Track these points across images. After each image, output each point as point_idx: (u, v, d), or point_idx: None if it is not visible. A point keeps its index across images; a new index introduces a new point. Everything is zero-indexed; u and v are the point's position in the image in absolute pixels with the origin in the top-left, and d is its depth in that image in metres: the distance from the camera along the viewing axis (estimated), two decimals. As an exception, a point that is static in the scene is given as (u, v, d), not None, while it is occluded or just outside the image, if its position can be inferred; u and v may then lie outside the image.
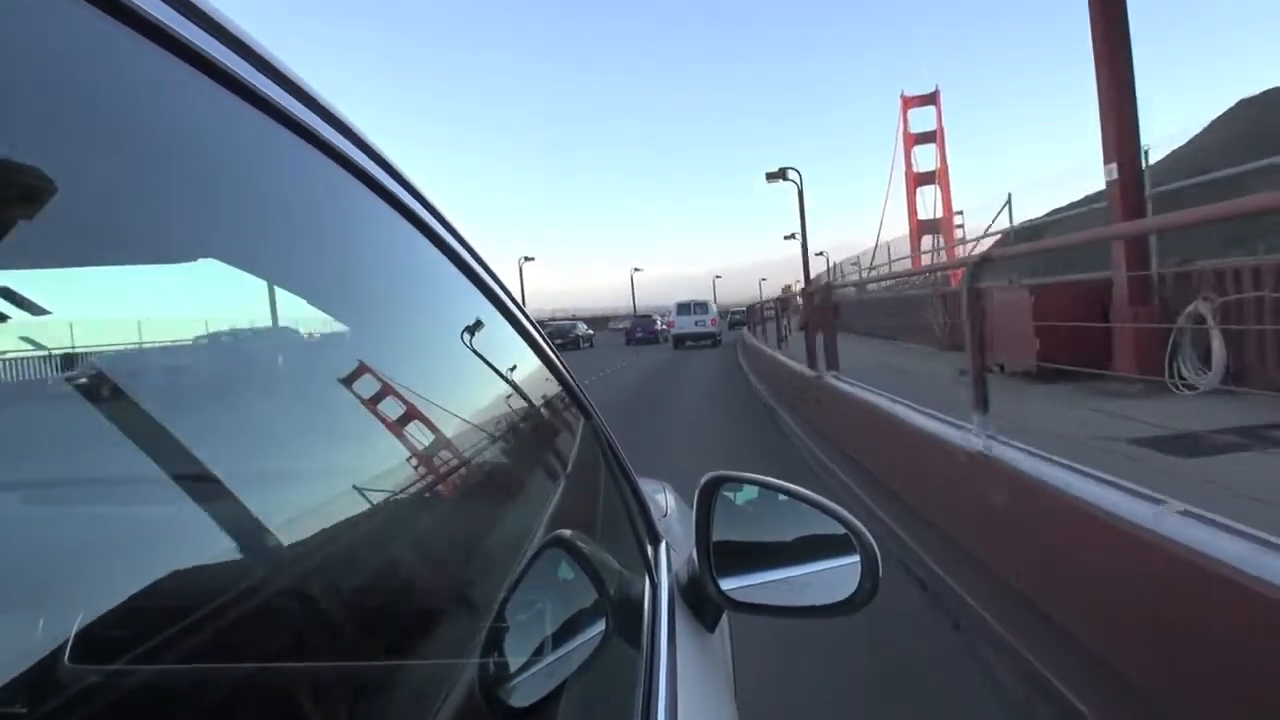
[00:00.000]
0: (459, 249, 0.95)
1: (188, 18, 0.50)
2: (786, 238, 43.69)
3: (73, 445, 0.43)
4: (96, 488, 0.44)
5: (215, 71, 0.52)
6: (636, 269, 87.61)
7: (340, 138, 0.70)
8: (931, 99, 66.07)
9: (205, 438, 0.50)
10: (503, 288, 1.08)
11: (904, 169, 67.39)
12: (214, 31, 0.52)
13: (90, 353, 0.47)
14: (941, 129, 65.40)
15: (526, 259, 58.51)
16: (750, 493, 1.17)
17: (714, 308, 35.41)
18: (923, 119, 66.49)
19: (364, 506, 0.62)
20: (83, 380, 0.46)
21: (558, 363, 1.25)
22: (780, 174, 27.65)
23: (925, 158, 66.57)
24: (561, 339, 42.11)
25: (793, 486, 1.15)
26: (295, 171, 0.67)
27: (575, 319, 51.41)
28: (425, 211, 0.88)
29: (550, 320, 52.15)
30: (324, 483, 0.59)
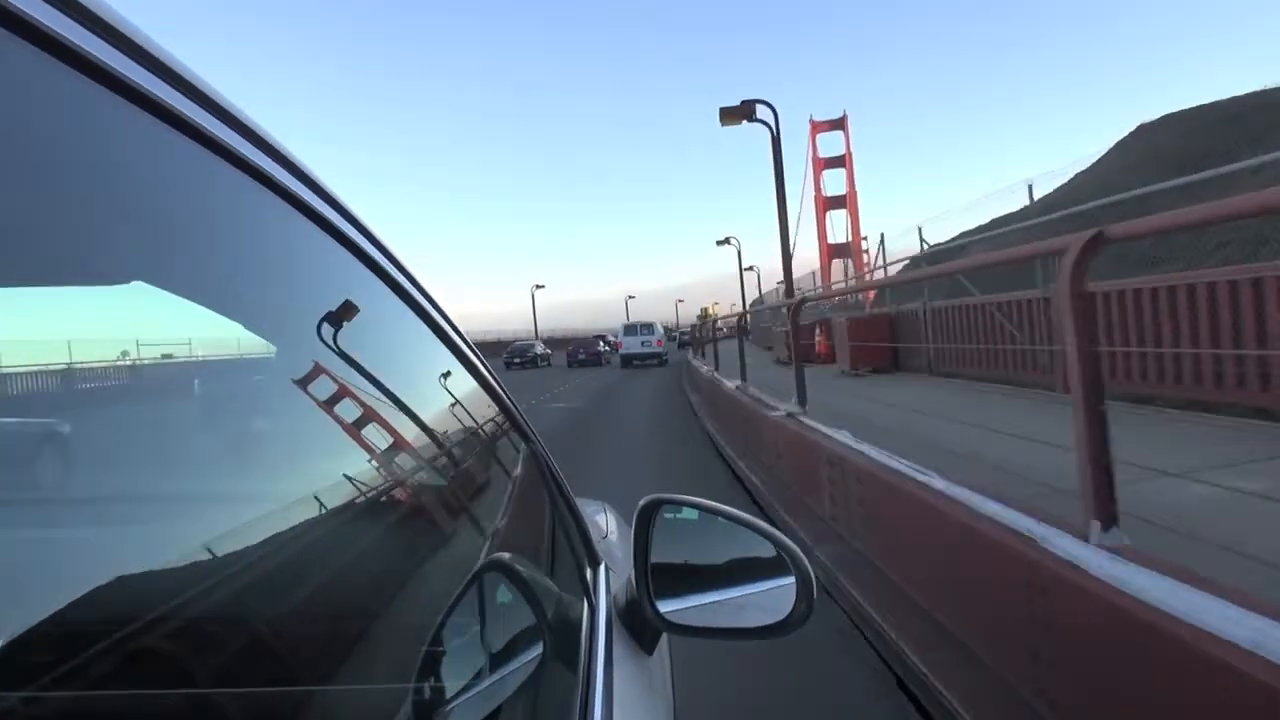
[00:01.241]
0: (395, 274, 0.95)
1: (118, 48, 0.50)
2: (719, 243, 46.64)
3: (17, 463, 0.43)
4: (18, 508, 0.43)
5: (147, 102, 0.52)
6: (539, 286, 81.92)
7: (271, 162, 0.70)
8: (840, 124, 67.15)
9: (133, 459, 0.50)
10: (441, 313, 1.08)
11: (814, 193, 68.21)
12: (145, 62, 0.53)
13: (20, 372, 0.47)
14: (850, 154, 66.36)
15: (538, 287, 58.32)
16: (689, 515, 1.18)
17: (660, 329, 37.03)
18: (834, 144, 67.59)
19: (300, 530, 0.61)
20: (16, 399, 0.45)
21: (497, 387, 1.25)
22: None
23: (837, 182, 67.81)
24: (521, 358, 43.64)
25: (730, 509, 1.17)
26: (226, 197, 0.66)
27: (532, 340, 52.20)
28: (360, 236, 0.88)
29: (513, 341, 52.46)
30: (258, 505, 0.59)
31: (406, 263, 1.00)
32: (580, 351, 41.41)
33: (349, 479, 0.73)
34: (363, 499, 0.76)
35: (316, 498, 0.66)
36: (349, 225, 0.85)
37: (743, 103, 16.17)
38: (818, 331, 16.79)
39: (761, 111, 16.23)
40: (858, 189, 65.78)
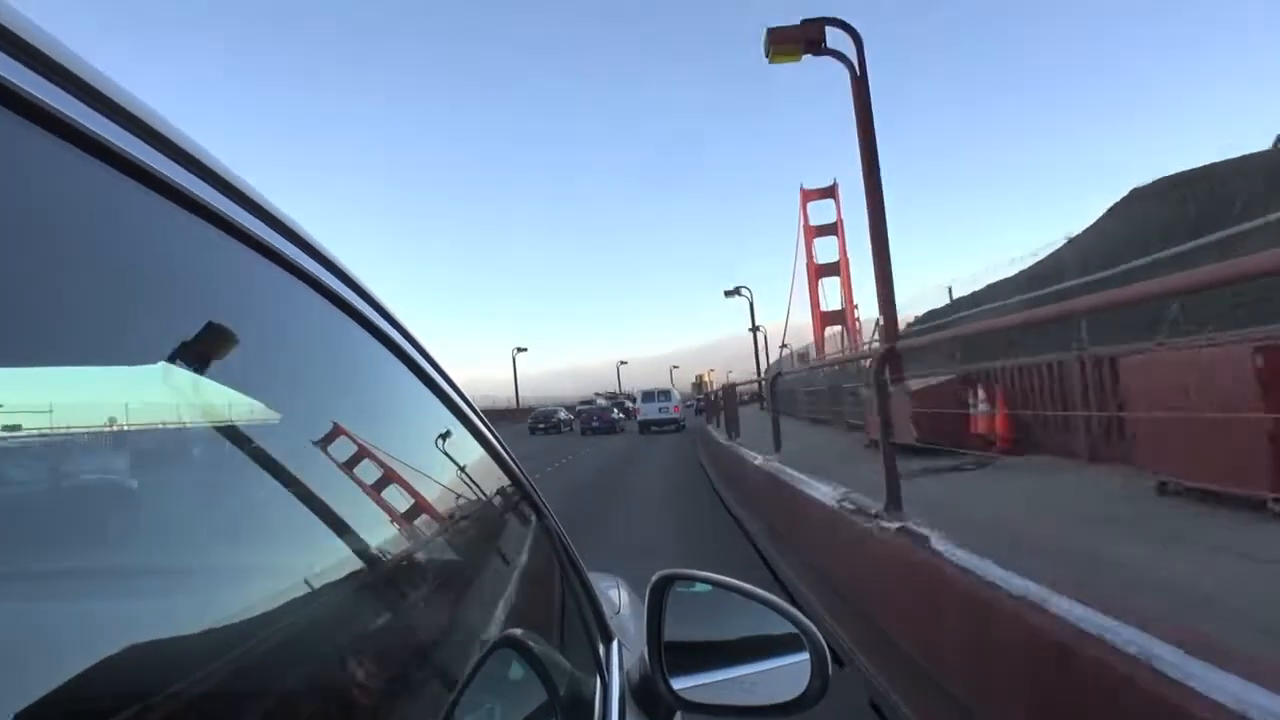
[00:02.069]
0: (405, 345, 0.97)
1: (152, 145, 0.52)
2: (727, 293, 45.68)
3: (26, 537, 0.44)
4: (52, 580, 0.44)
5: (168, 190, 0.54)
6: (521, 349, 79.17)
7: (291, 246, 0.72)
8: (830, 192, 67.57)
9: (140, 532, 0.51)
10: (450, 383, 1.09)
11: (805, 261, 68.21)
12: (174, 155, 0.55)
13: (51, 444, 0.48)
14: (841, 221, 66.52)
15: (520, 349, 57.65)
16: (702, 589, 1.18)
17: (676, 395, 38.93)
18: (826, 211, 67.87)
19: (308, 603, 0.61)
20: (45, 473, 0.47)
21: (508, 459, 1.25)
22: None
23: (830, 249, 67.94)
24: (545, 423, 44.68)
25: (744, 585, 1.16)
26: (248, 280, 0.69)
27: (557, 407, 53.28)
28: (375, 313, 0.90)
29: (536, 407, 52.82)
30: (265, 579, 0.59)
31: (417, 334, 1.02)
32: (594, 419, 40.68)
33: (359, 552, 0.73)
34: (373, 572, 0.76)
35: (325, 571, 0.66)
36: (366, 305, 0.87)
37: (804, 21, 11.49)
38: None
39: (835, 39, 11.37)
40: (849, 256, 66.12)
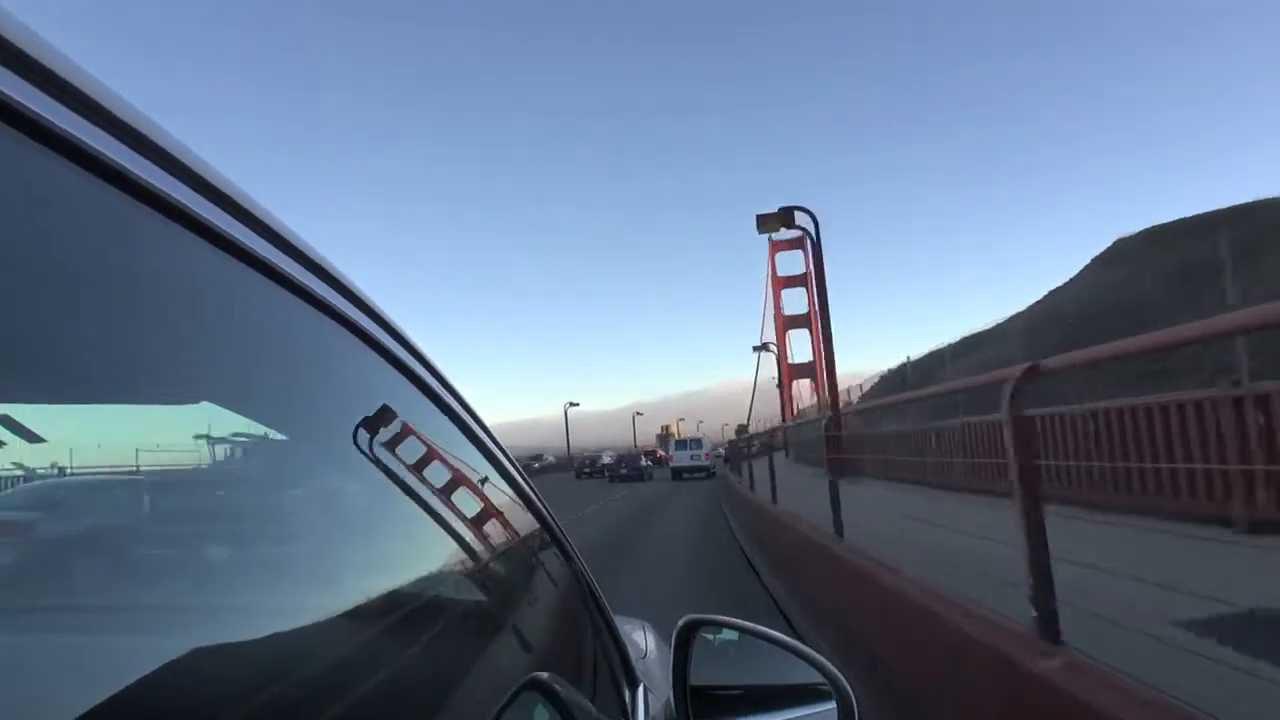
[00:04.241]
0: (439, 388, 0.99)
1: (199, 191, 0.55)
2: (757, 349, 45.70)
3: (64, 574, 0.45)
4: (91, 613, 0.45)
5: (206, 231, 0.56)
6: (573, 403, 76.77)
7: (329, 289, 0.74)
8: (799, 243, 66.96)
9: (169, 570, 0.52)
10: (483, 427, 1.11)
11: (774, 312, 67.76)
12: (214, 198, 0.57)
13: (93, 482, 0.50)
14: (810, 272, 65.98)
15: (572, 404, 58.65)
16: (728, 635, 1.17)
17: (707, 444, 41.34)
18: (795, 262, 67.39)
19: (336, 640, 0.62)
20: (82, 508, 0.48)
21: (538, 502, 1.26)
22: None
23: (799, 301, 67.43)
24: (591, 468, 47.93)
25: (770, 631, 1.15)
26: (285, 322, 0.70)
27: (600, 452, 55.89)
28: (409, 355, 0.91)
29: (583, 452, 54.51)
30: (293, 616, 0.60)
31: (451, 379, 1.03)
32: (623, 466, 41.30)
33: (383, 590, 0.74)
34: (398, 611, 0.76)
35: (354, 609, 0.67)
36: (400, 347, 0.89)
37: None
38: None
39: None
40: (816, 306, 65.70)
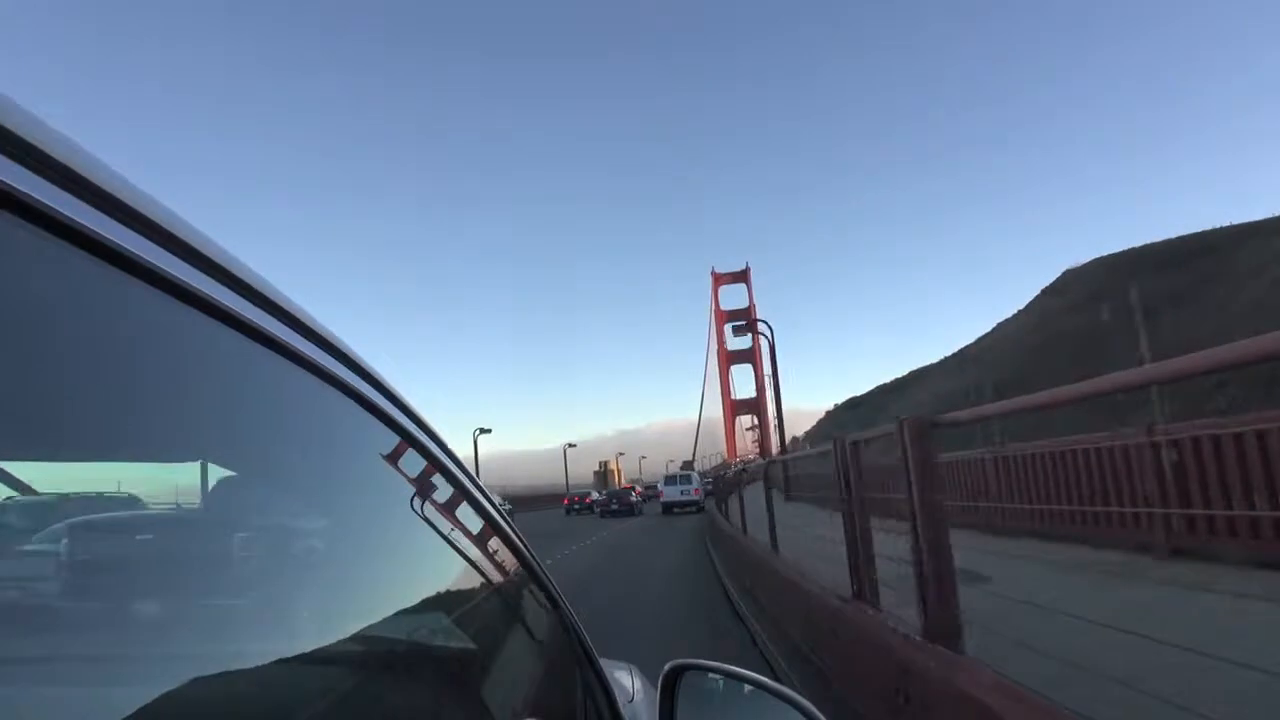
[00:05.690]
0: (421, 437, 0.99)
1: (193, 264, 0.56)
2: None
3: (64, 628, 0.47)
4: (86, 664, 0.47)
5: (198, 301, 0.57)
6: (484, 430, 76.23)
7: (315, 348, 0.75)
8: (742, 276, 66.95)
9: (163, 620, 0.53)
10: (471, 478, 1.12)
11: (717, 347, 67.60)
12: (212, 271, 0.59)
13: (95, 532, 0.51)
14: (753, 305, 66.25)
15: (483, 431, 55.85)
16: (714, 681, 1.18)
17: (696, 479, 40.95)
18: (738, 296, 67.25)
19: (327, 690, 0.63)
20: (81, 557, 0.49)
21: (523, 549, 1.27)
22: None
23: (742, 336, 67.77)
24: (580, 504, 48.17)
25: (756, 676, 1.16)
26: (273, 383, 0.71)
27: (589, 489, 56.21)
28: (395, 408, 0.92)
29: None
30: (286, 664, 0.61)
31: (437, 428, 1.04)
32: (614, 501, 41.09)
33: (372, 637, 0.75)
34: (386, 658, 0.77)
35: (345, 655, 0.68)
36: (388, 402, 0.90)
37: (748, 321, 24.22)
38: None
39: (763, 327, 25.79)
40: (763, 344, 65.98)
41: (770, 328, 25.06)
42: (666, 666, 1.18)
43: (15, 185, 0.41)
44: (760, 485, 10.72)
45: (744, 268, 68.24)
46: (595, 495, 49.19)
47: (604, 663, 1.45)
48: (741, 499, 12.52)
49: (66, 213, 0.44)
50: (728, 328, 66.74)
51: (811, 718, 1.07)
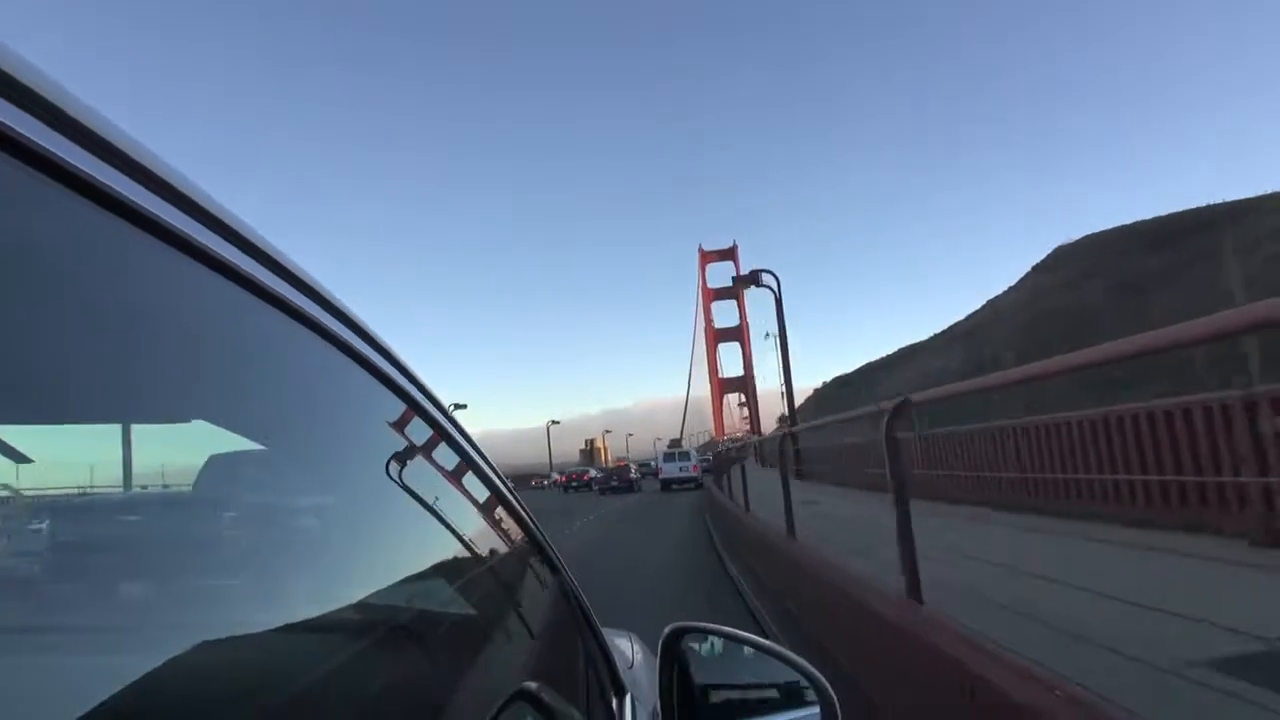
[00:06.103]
0: (428, 406, 1.00)
1: (188, 212, 0.56)
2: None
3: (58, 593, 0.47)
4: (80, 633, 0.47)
5: (196, 252, 0.57)
6: (459, 405, 76.83)
7: (317, 307, 0.75)
8: (730, 254, 66.41)
9: (157, 588, 0.53)
10: (471, 443, 1.12)
11: (704, 325, 67.46)
12: (206, 221, 0.59)
13: (85, 502, 0.51)
14: (741, 282, 65.74)
15: (457, 406, 55.20)
16: (713, 643, 1.19)
17: (695, 456, 42.85)
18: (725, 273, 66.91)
19: (326, 655, 0.63)
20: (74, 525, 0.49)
21: (525, 515, 1.28)
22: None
23: (730, 313, 67.21)
24: (578, 482, 50.52)
25: (755, 637, 1.17)
26: (276, 340, 0.71)
27: (587, 466, 56.24)
28: (395, 370, 0.93)
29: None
30: (287, 632, 0.61)
31: (436, 393, 1.05)
32: (614, 479, 43.60)
33: (372, 603, 0.75)
34: (387, 623, 0.78)
35: (344, 621, 0.68)
36: (391, 366, 0.90)
37: (752, 271, 24.42)
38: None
39: (767, 278, 24.41)
40: (749, 321, 65.35)
41: (777, 278, 24.34)
42: (666, 629, 1.19)
43: (12, 126, 0.40)
44: (754, 461, 10.87)
45: (732, 245, 67.89)
46: (593, 472, 50.26)
47: (604, 630, 1.46)
48: (744, 476, 12.21)
49: (56, 151, 0.43)
50: (729, 276, 66.23)
51: (809, 676, 1.08)
